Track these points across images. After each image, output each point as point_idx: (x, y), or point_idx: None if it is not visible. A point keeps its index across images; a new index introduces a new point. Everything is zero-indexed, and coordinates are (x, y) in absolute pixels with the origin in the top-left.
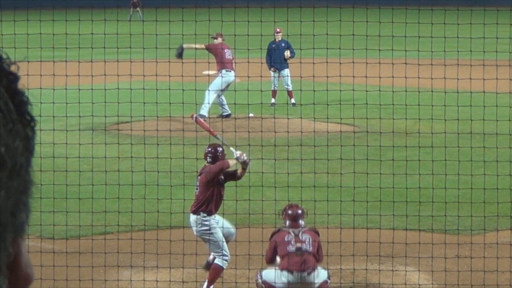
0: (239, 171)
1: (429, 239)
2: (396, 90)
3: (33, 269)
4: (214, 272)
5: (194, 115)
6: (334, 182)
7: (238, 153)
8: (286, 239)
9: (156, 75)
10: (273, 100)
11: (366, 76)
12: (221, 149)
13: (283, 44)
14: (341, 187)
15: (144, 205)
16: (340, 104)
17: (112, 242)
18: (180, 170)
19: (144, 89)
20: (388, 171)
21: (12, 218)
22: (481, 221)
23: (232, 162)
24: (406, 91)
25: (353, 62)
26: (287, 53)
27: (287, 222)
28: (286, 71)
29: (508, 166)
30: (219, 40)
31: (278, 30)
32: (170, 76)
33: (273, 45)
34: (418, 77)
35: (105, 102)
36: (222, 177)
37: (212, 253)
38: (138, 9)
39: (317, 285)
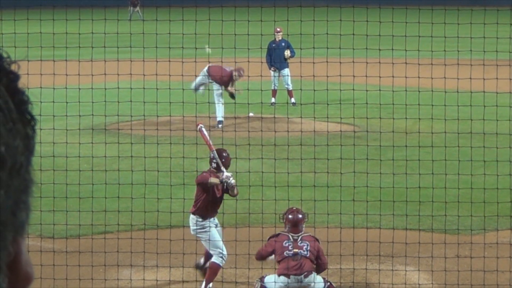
0: (230, 192)
1: (429, 239)
2: (396, 89)
3: (33, 268)
4: (212, 270)
5: (200, 126)
6: (334, 182)
7: (225, 175)
8: (284, 244)
9: (156, 74)
10: (273, 100)
11: (366, 76)
12: (225, 154)
13: (283, 44)
14: (341, 187)
15: (144, 205)
16: (340, 103)
17: (112, 241)
18: (180, 170)
19: (144, 88)
20: (388, 170)
21: (12, 217)
22: (481, 221)
23: (214, 180)
24: (406, 90)
25: (353, 62)
26: (287, 53)
27: (287, 227)
28: (286, 71)
29: (508, 166)
30: (236, 75)
31: (278, 29)
32: (170, 75)
33: (273, 45)
34: (418, 77)
35: (105, 101)
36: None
37: (210, 252)
38: (137, 8)
39: (316, 285)
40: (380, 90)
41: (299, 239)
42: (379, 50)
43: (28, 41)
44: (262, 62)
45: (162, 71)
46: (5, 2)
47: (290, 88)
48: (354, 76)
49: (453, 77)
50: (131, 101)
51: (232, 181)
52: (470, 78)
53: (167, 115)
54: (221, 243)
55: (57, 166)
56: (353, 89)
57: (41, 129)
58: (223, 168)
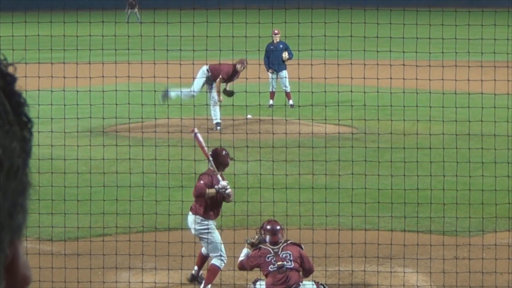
0: (226, 199)
1: (428, 241)
2: (394, 91)
3: (30, 271)
4: (211, 272)
5: (195, 131)
6: (332, 184)
7: (222, 183)
8: (267, 259)
9: (154, 76)
10: (271, 102)
11: (364, 78)
12: (224, 152)
13: (281, 46)
14: (339, 189)
15: (143, 207)
16: (338, 105)
17: (111, 244)
18: (178, 172)
19: (142, 90)
20: (386, 172)
21: (9, 220)
22: (480, 222)
23: (211, 191)
24: (404, 92)
25: (351, 64)
26: (285, 55)
27: (267, 238)
28: (284, 73)
29: (506, 167)
30: (238, 67)
31: (276, 31)
32: (168, 77)
33: (271, 47)
34: (416, 78)
35: (103, 104)
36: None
37: (211, 255)
38: (136, 10)
39: None
40: (378, 91)
41: (280, 251)
42: (377, 51)
43: (26, 43)
44: (260, 64)
45: (160, 73)
46: (3, 5)
47: (288, 90)
48: (352, 78)
49: (451, 78)
50: (129, 103)
51: (228, 190)
52: (468, 80)
53: (165, 117)
54: (222, 246)
55: (55, 168)
56: (351, 91)
57: (39, 132)
58: (219, 177)
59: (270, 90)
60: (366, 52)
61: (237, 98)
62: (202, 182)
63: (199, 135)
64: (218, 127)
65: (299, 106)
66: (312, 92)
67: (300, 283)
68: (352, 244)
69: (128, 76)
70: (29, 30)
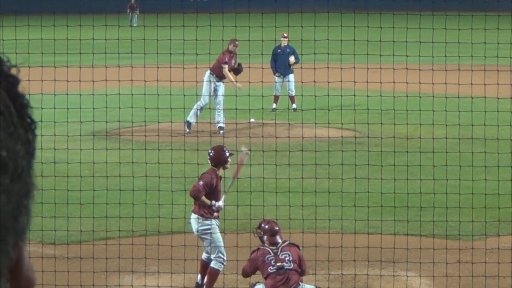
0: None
1: (430, 244)
2: (397, 95)
3: (34, 273)
4: (211, 275)
5: (247, 151)
6: (335, 188)
7: (219, 204)
8: (266, 260)
9: (157, 80)
10: (274, 106)
11: (367, 81)
12: (227, 153)
13: (288, 50)
14: (342, 192)
15: (145, 211)
16: (341, 109)
17: (113, 247)
18: (181, 176)
19: (145, 94)
20: (389, 176)
21: (13, 221)
22: (482, 226)
23: (205, 201)
24: (407, 96)
25: (354, 67)
26: (292, 59)
27: (265, 238)
28: (291, 77)
29: (509, 171)
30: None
31: (285, 35)
32: (171, 81)
33: (278, 50)
34: (419, 82)
35: (106, 107)
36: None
37: (211, 256)
38: (136, 12)
39: None
40: (381, 95)
41: (279, 252)
42: (380, 55)
43: (29, 47)
44: (263, 68)
45: (163, 77)
46: (5, 8)
47: (293, 94)
48: (355, 81)
49: (454, 82)
50: (132, 107)
51: (222, 204)
52: (471, 84)
53: (168, 121)
54: (222, 248)
55: (58, 172)
56: (354, 95)
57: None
58: (214, 202)
59: (274, 94)
60: (369, 56)
61: (240, 102)
62: (201, 183)
63: (246, 157)
64: (221, 131)
65: (302, 110)
66: (315, 96)
67: (300, 283)
68: (355, 248)
69: (131, 80)
70: (32, 33)
